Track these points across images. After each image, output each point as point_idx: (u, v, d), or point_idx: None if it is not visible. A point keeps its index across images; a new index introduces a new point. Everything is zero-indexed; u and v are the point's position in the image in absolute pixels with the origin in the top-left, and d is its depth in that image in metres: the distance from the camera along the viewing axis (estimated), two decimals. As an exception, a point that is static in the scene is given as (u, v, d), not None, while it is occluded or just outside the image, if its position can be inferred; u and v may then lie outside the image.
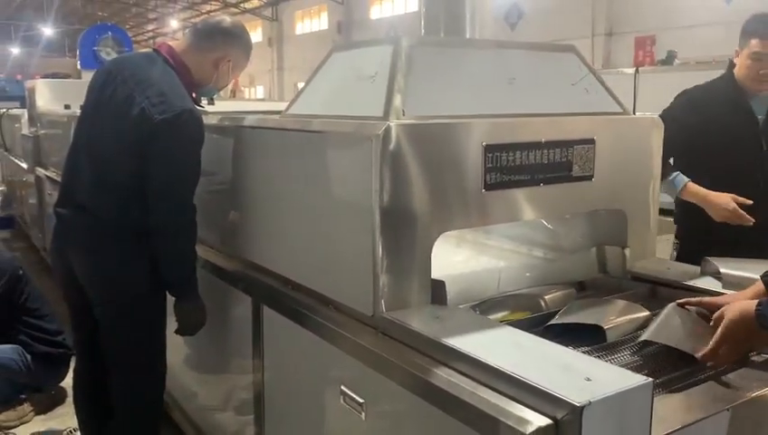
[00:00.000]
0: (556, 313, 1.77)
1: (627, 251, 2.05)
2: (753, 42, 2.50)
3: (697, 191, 2.54)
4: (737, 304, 1.51)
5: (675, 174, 2.60)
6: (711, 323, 1.54)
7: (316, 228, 1.86)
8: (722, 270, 1.85)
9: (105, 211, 2.18)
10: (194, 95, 2.29)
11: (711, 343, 1.50)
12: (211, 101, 2.77)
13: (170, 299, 2.30)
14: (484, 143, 1.71)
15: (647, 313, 1.73)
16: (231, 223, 2.37)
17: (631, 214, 2.07)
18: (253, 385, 2.22)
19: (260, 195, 2.17)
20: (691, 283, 1.88)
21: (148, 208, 2.13)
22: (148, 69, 2.18)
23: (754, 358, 1.59)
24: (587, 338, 1.62)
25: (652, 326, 1.61)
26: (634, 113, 2.49)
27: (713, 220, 2.47)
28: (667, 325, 1.59)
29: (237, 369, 2.38)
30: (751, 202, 2.39)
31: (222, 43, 2.27)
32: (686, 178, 2.58)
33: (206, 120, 2.29)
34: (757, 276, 1.76)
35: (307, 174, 1.87)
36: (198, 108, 2.25)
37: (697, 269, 2.00)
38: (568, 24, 13.97)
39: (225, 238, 2.44)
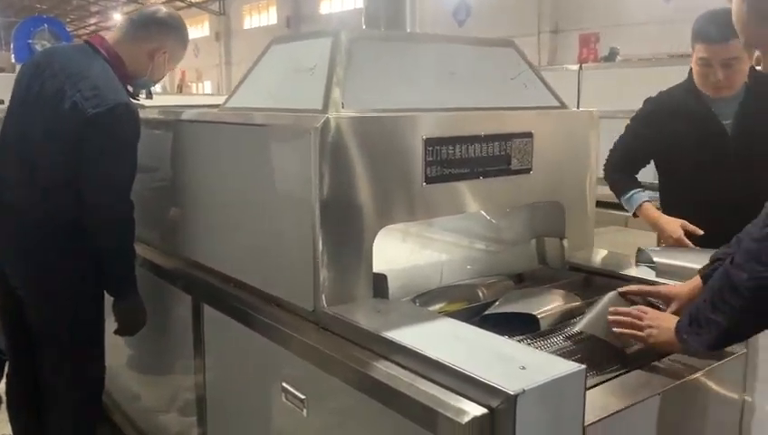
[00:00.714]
0: (493, 303, 1.79)
1: (565, 242, 2.10)
2: (698, 46, 2.29)
3: (650, 214, 2.41)
4: (665, 324, 1.51)
5: (632, 192, 2.48)
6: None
7: (256, 224, 1.84)
8: (655, 259, 1.90)
9: (36, 210, 2.09)
10: (129, 88, 2.23)
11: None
12: (149, 95, 2.69)
13: (109, 299, 2.24)
14: (424, 136, 1.72)
15: (580, 301, 1.77)
16: (170, 220, 2.32)
17: (569, 206, 2.11)
18: (194, 385, 2.18)
19: (199, 191, 2.13)
20: (626, 272, 1.93)
21: (82, 206, 2.06)
22: (80, 61, 2.11)
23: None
24: (522, 327, 1.65)
25: (586, 317, 1.65)
26: (578, 109, 2.55)
27: (693, 219, 2.31)
28: (601, 317, 1.63)
29: (179, 369, 2.32)
30: (701, 232, 2.23)
31: (157, 33, 2.21)
32: (643, 197, 2.46)
33: (143, 114, 2.23)
34: (689, 265, 1.83)
35: (245, 168, 1.84)
36: (135, 102, 2.18)
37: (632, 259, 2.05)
38: (515, 22, 14.20)
39: (165, 236, 2.38)
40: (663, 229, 2.34)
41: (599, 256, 2.11)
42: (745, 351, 1.66)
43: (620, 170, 2.58)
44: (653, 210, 2.43)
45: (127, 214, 2.11)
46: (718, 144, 2.37)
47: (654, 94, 2.61)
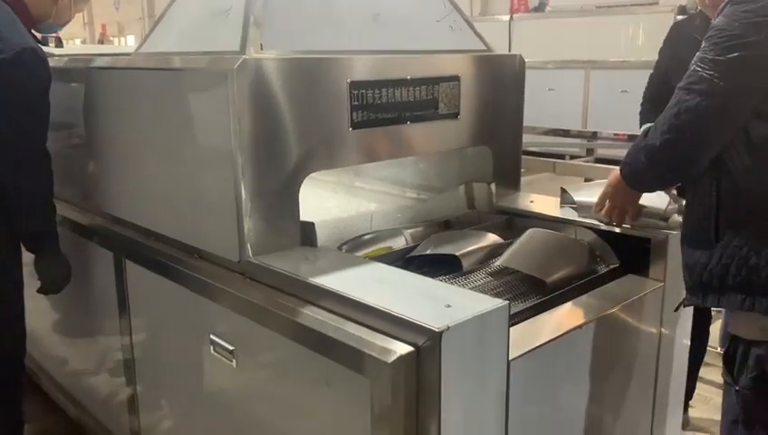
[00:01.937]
0: (417, 247, 1.80)
1: (493, 187, 2.11)
2: None
3: None
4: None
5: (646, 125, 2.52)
6: None
7: (176, 174, 1.76)
8: (576, 199, 1.95)
9: None
10: (35, 34, 2.07)
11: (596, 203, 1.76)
12: (59, 44, 2.52)
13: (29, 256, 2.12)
14: (348, 80, 1.67)
15: (501, 241, 1.81)
16: (87, 175, 2.21)
17: (497, 151, 2.12)
18: (121, 344, 2.12)
19: (115, 143, 2.03)
20: (549, 213, 1.96)
21: None
22: None
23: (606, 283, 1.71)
24: (445, 268, 1.66)
25: (507, 252, 1.68)
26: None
27: None
28: (521, 251, 1.67)
29: (104, 329, 2.25)
30: None
31: None
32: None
33: (53, 63, 2.08)
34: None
35: (162, 116, 1.75)
36: (43, 49, 2.04)
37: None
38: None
39: (82, 192, 2.26)
40: None
41: (525, 199, 2.14)
42: (662, 284, 1.73)
43: (648, 101, 2.59)
44: None
45: (42, 165, 1.99)
46: None
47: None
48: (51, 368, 2.79)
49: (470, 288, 1.57)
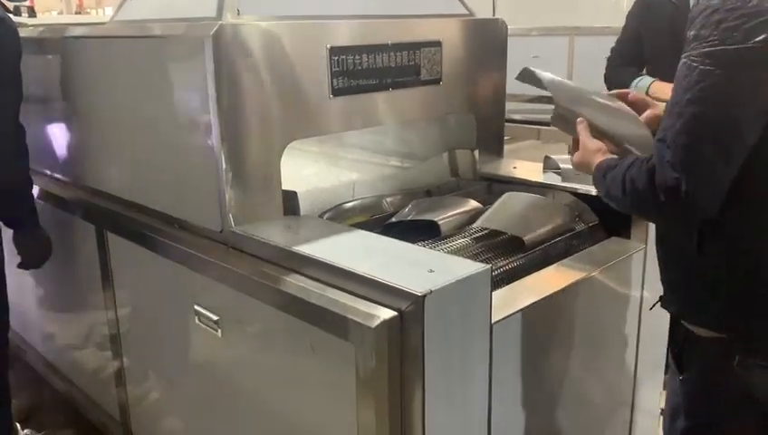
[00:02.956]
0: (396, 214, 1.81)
1: (476, 154, 2.11)
2: None
3: (664, 86, 2.27)
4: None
5: (638, 79, 2.43)
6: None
7: (156, 145, 1.74)
8: (561, 166, 1.95)
9: None
10: (4, 3, 2.02)
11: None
12: (32, 13, 2.45)
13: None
14: (328, 46, 1.65)
15: (480, 206, 1.82)
16: (66, 148, 2.17)
17: (480, 117, 2.11)
18: (106, 317, 2.11)
19: (93, 114, 1.99)
20: (533, 179, 1.96)
21: None
22: None
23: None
24: (424, 234, 1.67)
25: (484, 215, 1.69)
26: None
27: None
28: (498, 213, 1.69)
29: (89, 302, 2.23)
30: None
31: None
32: (650, 79, 2.41)
33: (26, 33, 2.03)
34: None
35: (140, 85, 1.72)
36: (15, 19, 1.98)
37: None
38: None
39: (62, 165, 2.23)
40: None
41: (509, 165, 2.14)
42: (644, 247, 1.74)
43: (618, 66, 2.59)
44: (665, 84, 2.31)
45: (16, 138, 1.96)
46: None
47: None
48: (36, 343, 2.78)
49: (448, 252, 1.57)
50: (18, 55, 1.90)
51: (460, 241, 1.66)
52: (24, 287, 2.52)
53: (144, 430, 2.15)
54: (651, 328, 1.87)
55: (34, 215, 2.07)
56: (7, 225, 2.07)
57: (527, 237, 1.63)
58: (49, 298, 2.60)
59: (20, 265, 2.13)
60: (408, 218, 1.75)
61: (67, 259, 2.26)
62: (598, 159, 1.34)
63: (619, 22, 2.77)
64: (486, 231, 1.69)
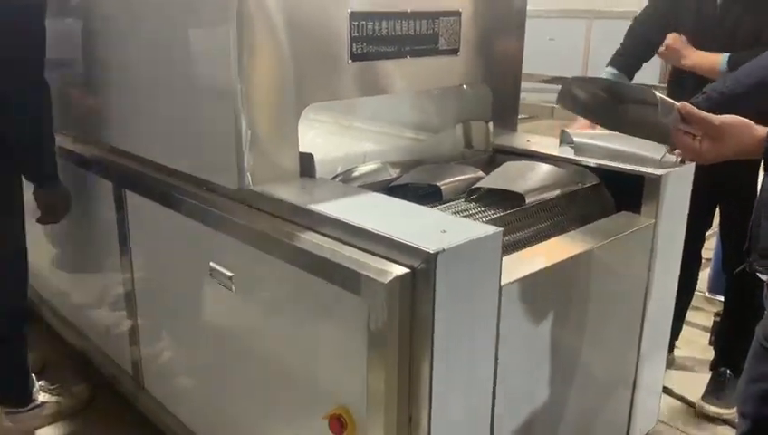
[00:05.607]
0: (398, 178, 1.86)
1: (491, 126, 2.12)
2: None
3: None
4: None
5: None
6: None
7: (176, 104, 1.77)
8: (575, 139, 1.96)
9: None
10: None
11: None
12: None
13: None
14: (349, 10, 1.66)
15: (482, 174, 1.86)
16: (87, 106, 2.20)
17: (495, 89, 2.12)
18: (122, 274, 2.16)
19: (114, 73, 2.02)
20: (547, 151, 1.98)
21: None
22: None
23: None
24: (425, 199, 1.71)
25: (484, 179, 1.76)
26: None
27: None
28: (497, 176, 1.76)
29: (105, 259, 2.28)
30: None
31: None
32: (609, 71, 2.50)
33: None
34: (605, 144, 1.90)
35: (163, 46, 1.75)
36: None
37: (557, 141, 2.10)
38: None
39: (81, 123, 2.26)
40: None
41: (522, 138, 2.15)
42: (653, 221, 1.76)
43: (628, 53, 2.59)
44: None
45: (41, 92, 1.97)
46: (709, 25, 2.26)
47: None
48: (52, 299, 2.84)
49: (450, 213, 1.61)
50: (43, 8, 1.91)
51: (460, 204, 1.71)
52: (40, 243, 2.56)
53: (156, 386, 2.20)
54: (657, 303, 1.90)
55: (56, 168, 2.10)
56: (30, 180, 2.11)
57: (526, 191, 1.68)
58: (65, 255, 2.65)
59: (39, 220, 2.17)
60: (410, 182, 1.79)
61: (85, 216, 2.31)
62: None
63: (640, 6, 2.73)
64: (486, 193, 1.75)
